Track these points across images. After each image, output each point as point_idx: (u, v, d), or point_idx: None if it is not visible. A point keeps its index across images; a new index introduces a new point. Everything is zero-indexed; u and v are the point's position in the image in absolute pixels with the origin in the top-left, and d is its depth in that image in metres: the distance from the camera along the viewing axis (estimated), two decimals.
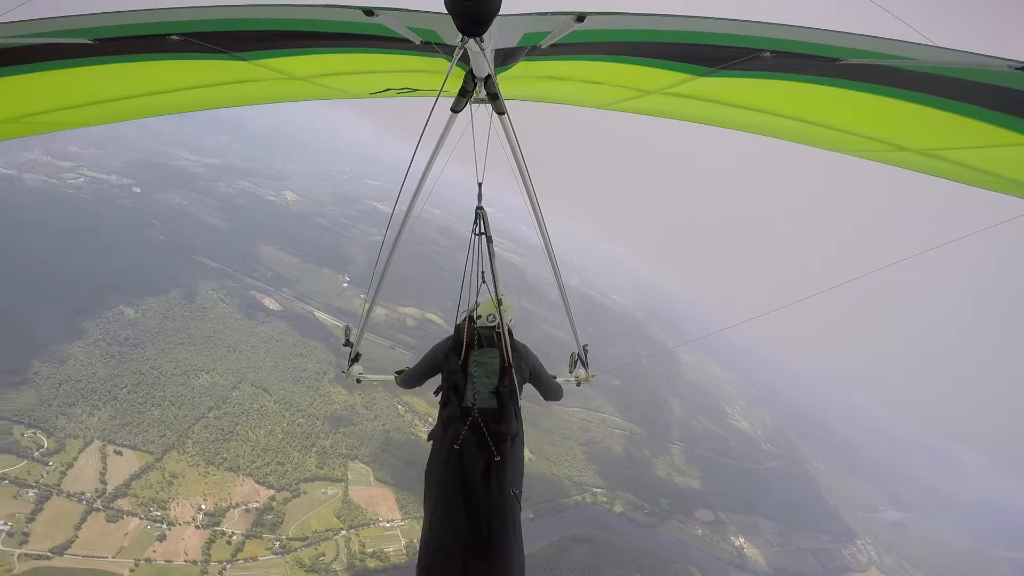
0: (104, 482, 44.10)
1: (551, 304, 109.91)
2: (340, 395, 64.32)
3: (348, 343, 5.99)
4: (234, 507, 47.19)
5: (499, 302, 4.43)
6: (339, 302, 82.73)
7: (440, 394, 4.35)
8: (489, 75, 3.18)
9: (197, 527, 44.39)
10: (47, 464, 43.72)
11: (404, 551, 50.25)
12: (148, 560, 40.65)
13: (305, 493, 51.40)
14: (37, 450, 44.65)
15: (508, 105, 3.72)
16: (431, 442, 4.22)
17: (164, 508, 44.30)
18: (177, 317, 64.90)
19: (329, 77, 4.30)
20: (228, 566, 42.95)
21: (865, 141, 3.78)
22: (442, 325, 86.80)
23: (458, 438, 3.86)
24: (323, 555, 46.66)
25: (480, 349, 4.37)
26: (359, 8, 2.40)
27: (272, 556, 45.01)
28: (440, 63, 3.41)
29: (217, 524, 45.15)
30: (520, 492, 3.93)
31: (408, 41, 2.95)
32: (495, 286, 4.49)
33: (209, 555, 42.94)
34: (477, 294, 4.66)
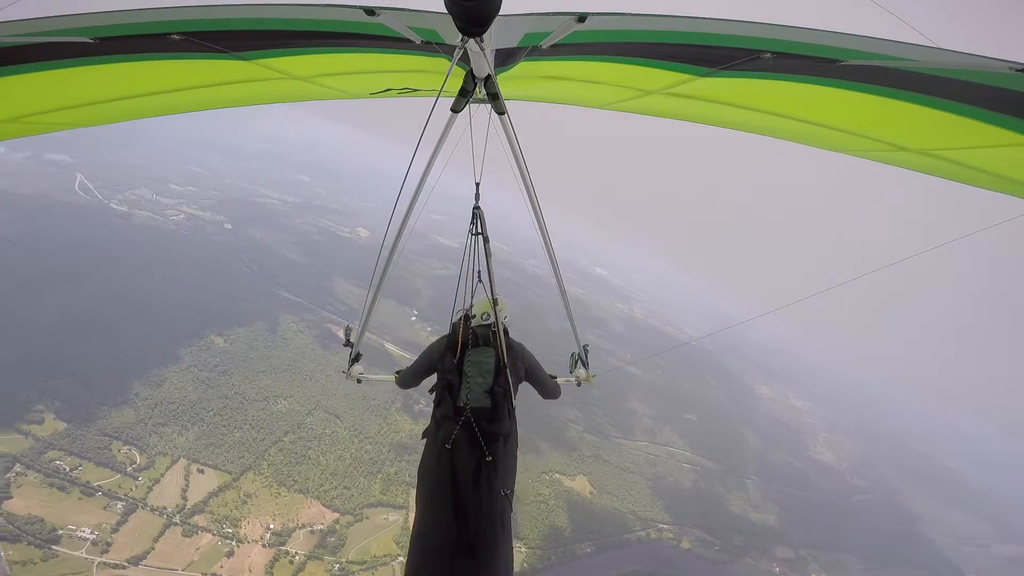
0: (185, 498, 46.63)
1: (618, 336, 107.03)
2: (406, 424, 65.60)
3: (348, 343, 5.96)
4: (300, 528, 48.59)
5: (495, 301, 4.40)
6: (407, 334, 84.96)
7: (435, 393, 4.35)
8: (489, 75, 3.17)
9: (264, 546, 45.90)
10: (137, 479, 46.79)
11: None
12: (214, 575, 42.30)
13: (367, 518, 52.25)
14: (130, 465, 47.93)
15: (508, 105, 3.70)
16: (424, 440, 4.20)
17: (236, 526, 46.28)
18: (261, 347, 69.06)
19: (329, 77, 4.32)
20: None
21: (865, 141, 3.76)
22: None
23: (450, 437, 3.84)
24: None
25: (476, 348, 4.34)
26: (360, 7, 2.40)
27: None
28: (440, 63, 3.44)
29: (282, 544, 46.54)
30: (511, 492, 3.87)
31: (409, 41, 2.96)
32: (491, 285, 4.44)
33: (272, 573, 44.21)
34: (473, 294, 4.69)
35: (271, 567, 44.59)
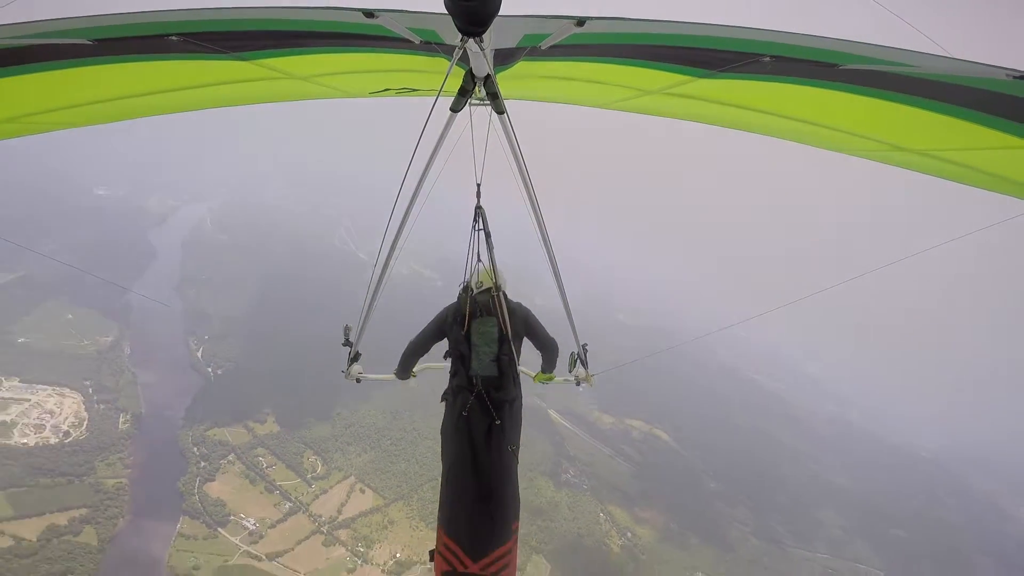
0: (339, 511, 50.93)
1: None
2: (548, 490, 64.60)
3: (348, 342, 5.78)
4: (421, 563, 50.22)
5: (497, 288, 4.79)
6: (572, 404, 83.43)
7: (450, 363, 4.81)
8: (489, 75, 3.15)
9: (383, 572, 48.37)
10: (311, 486, 51.69)
11: None
12: None
13: None
14: (311, 473, 53.40)
15: (508, 105, 3.70)
16: (443, 403, 4.78)
17: (369, 547, 49.76)
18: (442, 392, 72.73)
19: (329, 77, 4.32)
20: None
21: (863, 141, 3.77)
22: (669, 442, 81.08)
23: (466, 406, 4.38)
24: None
25: (479, 318, 4.69)
26: (359, 10, 2.37)
27: None
28: (440, 63, 3.41)
29: (400, 574, 48.57)
30: (517, 448, 4.48)
31: (408, 41, 2.94)
32: (494, 271, 4.82)
33: None
34: (476, 272, 4.93)
35: None
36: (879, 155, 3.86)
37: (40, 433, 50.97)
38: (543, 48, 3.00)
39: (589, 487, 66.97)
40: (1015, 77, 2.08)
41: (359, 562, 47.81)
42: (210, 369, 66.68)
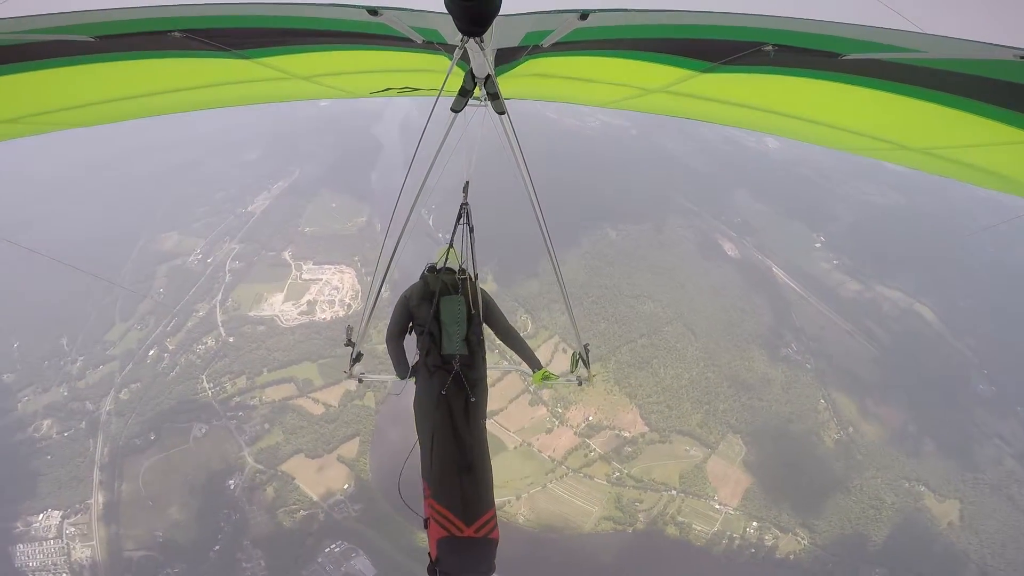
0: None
1: None
2: (761, 362, 57.07)
3: (350, 343, 5.64)
4: (610, 428, 50.09)
5: (477, 276, 5.07)
6: (803, 262, 69.32)
7: (419, 341, 4.88)
8: (489, 75, 3.11)
9: (576, 433, 49.46)
10: None
11: (709, 536, 44.69)
12: (528, 444, 48.02)
13: (671, 443, 49.93)
14: (523, 332, 55.26)
15: (508, 104, 3.62)
16: (414, 378, 4.94)
17: (566, 408, 51.11)
18: (646, 245, 68.64)
19: (330, 76, 4.31)
20: (570, 473, 47.12)
21: (866, 140, 3.74)
22: (934, 323, 62.43)
23: (444, 385, 4.46)
24: (640, 502, 46.10)
25: (446, 297, 4.85)
26: (363, 7, 2.37)
27: (605, 483, 46.98)
28: (441, 62, 3.37)
29: (589, 436, 49.32)
30: (485, 419, 4.74)
31: (410, 40, 2.90)
32: (473, 263, 5.05)
33: (566, 459, 47.72)
34: (447, 258, 5.12)
35: (569, 454, 48.24)
36: (883, 154, 3.84)
37: (332, 308, 60.39)
38: (545, 46, 2.98)
39: (813, 367, 56.71)
40: (1022, 57, 1.94)
41: (556, 423, 49.67)
42: (440, 235, 73.73)
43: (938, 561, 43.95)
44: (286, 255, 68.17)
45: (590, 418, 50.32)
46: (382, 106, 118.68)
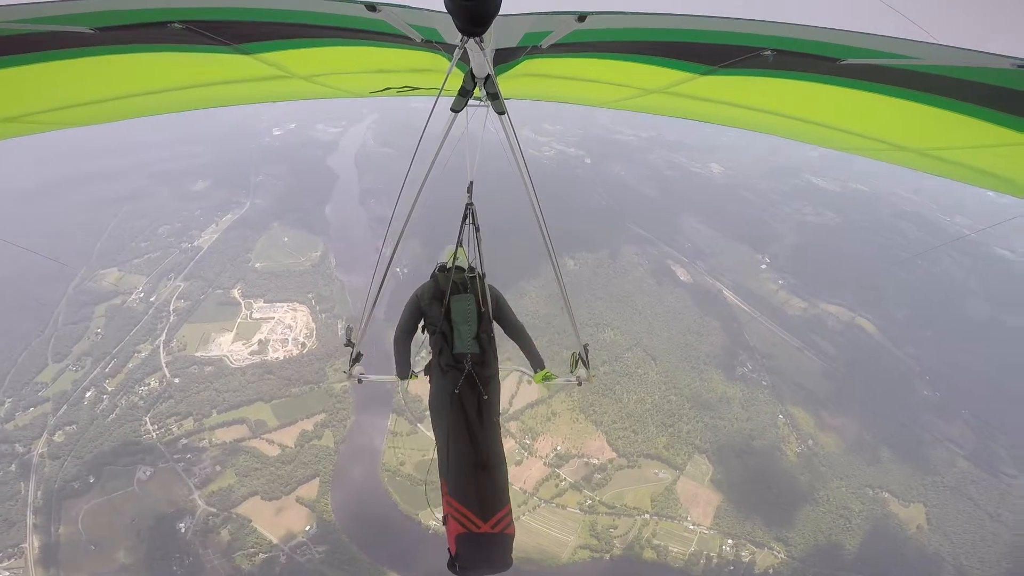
0: (510, 404, 51.61)
1: None
2: (718, 382, 58.23)
3: (349, 343, 5.47)
4: (579, 457, 49.67)
5: (485, 274, 4.97)
6: (752, 284, 72.30)
7: (430, 336, 4.95)
8: (489, 75, 3.05)
9: (545, 464, 48.90)
10: None
11: (686, 557, 44.37)
12: None
13: (639, 467, 49.93)
14: None
15: (508, 104, 3.57)
16: (428, 376, 4.90)
17: (534, 439, 50.35)
18: (603, 274, 69.68)
19: (330, 76, 4.24)
20: (543, 504, 46.47)
21: (864, 140, 3.77)
22: (875, 336, 66.00)
23: (458, 384, 4.49)
24: (615, 528, 45.67)
25: (457, 296, 4.84)
26: (363, 3, 2.33)
27: (578, 511, 46.45)
28: (440, 62, 3.35)
29: (559, 466, 48.85)
30: (499, 415, 4.74)
31: (409, 39, 2.88)
32: (480, 262, 4.94)
33: (537, 490, 47.13)
34: (455, 257, 4.96)
35: (540, 484, 47.54)
36: (881, 154, 3.85)
37: (285, 347, 58.01)
38: (544, 47, 2.98)
39: (769, 383, 58.55)
40: (1019, 66, 2.00)
41: (525, 454, 48.99)
42: (398, 270, 72.18)
43: (913, 564, 45.05)
44: (235, 293, 64.99)
45: (558, 448, 49.70)
46: (337, 135, 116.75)
